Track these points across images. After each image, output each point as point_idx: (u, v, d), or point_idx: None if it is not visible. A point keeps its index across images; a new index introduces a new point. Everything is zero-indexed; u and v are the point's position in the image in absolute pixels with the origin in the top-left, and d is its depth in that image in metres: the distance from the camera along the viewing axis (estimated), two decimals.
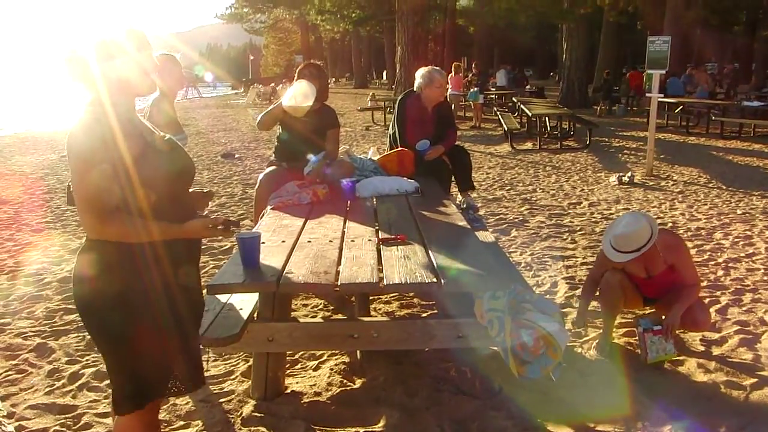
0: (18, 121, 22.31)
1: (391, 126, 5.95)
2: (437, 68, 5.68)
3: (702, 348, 3.91)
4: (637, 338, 3.79)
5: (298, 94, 4.72)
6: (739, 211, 7.55)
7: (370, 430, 3.06)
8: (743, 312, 4.47)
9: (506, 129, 14.59)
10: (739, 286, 4.96)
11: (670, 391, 3.39)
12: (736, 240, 6.30)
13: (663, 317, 3.81)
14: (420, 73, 5.65)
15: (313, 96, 4.74)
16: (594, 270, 4.13)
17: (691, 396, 3.35)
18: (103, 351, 2.23)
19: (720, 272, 5.31)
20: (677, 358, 3.73)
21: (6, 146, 15.53)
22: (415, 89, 5.68)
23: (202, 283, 2.52)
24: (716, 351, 3.87)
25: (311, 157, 4.93)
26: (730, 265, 5.51)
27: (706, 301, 4.62)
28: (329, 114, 5.17)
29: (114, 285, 2.10)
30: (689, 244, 6.04)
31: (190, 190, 2.43)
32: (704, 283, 5.01)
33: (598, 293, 4.03)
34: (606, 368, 3.68)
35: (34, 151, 14.44)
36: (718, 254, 5.82)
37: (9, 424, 3.16)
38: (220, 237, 2.17)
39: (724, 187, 9.10)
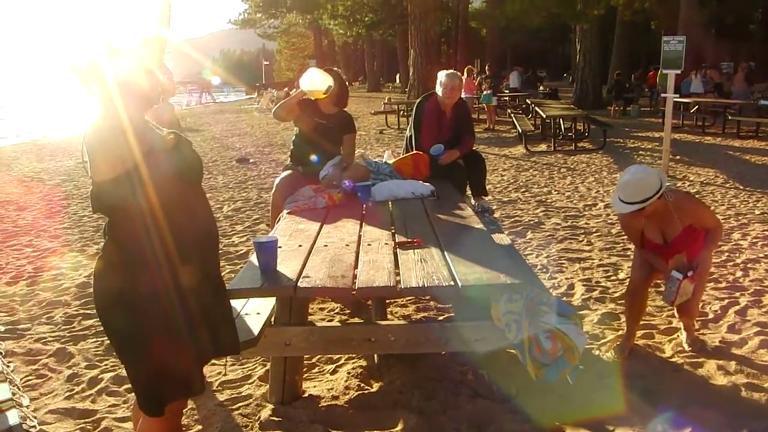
0: (35, 128, 22.52)
1: (408, 129, 5.96)
2: (450, 71, 5.68)
3: (722, 350, 3.87)
4: (664, 293, 3.65)
5: (315, 76, 4.73)
6: (757, 212, 7.48)
7: None
8: (763, 313, 4.42)
9: (520, 131, 14.56)
10: (758, 287, 4.91)
11: (690, 393, 3.36)
12: (754, 240, 6.24)
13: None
14: (438, 77, 5.68)
15: (330, 80, 4.75)
16: (628, 236, 4.07)
17: (711, 398, 3.32)
18: (115, 350, 2.27)
19: (739, 273, 5.26)
20: (697, 359, 3.72)
21: (23, 153, 15.69)
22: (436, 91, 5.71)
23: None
24: (736, 352, 3.83)
25: (313, 158, 4.95)
26: (749, 266, 5.45)
27: (725, 302, 4.59)
28: (346, 119, 5.18)
29: (116, 283, 2.14)
30: None
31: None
32: (722, 284, 4.98)
33: (625, 296, 4.03)
34: (624, 370, 3.66)
35: (51, 157, 14.57)
36: (737, 255, 5.76)
37: (35, 418, 3.19)
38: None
39: (742, 188, 9.02)
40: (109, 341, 2.27)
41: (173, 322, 2.17)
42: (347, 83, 5.72)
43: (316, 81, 4.74)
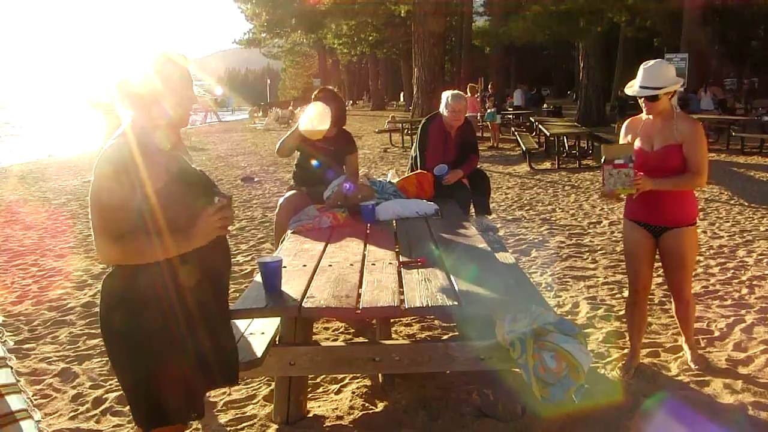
0: (41, 148, 22.65)
1: (413, 149, 5.96)
2: (456, 92, 5.66)
3: (728, 368, 3.86)
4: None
5: (314, 117, 4.75)
6: (762, 228, 7.46)
7: None
8: None
9: (524, 149, 14.59)
10: (764, 305, 4.89)
11: (697, 412, 3.34)
12: (759, 257, 6.22)
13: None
14: (442, 97, 5.68)
15: (329, 118, 4.77)
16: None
17: (718, 417, 3.30)
18: (114, 362, 2.26)
19: (744, 290, 5.25)
20: (703, 378, 3.70)
21: (29, 172, 15.77)
22: (440, 111, 5.71)
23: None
24: (743, 371, 3.81)
25: (314, 162, 4.96)
26: (754, 283, 5.43)
27: (731, 320, 4.57)
28: (347, 139, 5.19)
29: (116, 284, 2.16)
30: (711, 263, 5.99)
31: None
32: (728, 302, 4.96)
33: (625, 309, 4.01)
34: (630, 389, 3.64)
35: (57, 177, 14.64)
36: (742, 272, 5.75)
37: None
38: (227, 228, 2.10)
39: (746, 204, 9.01)
40: (108, 357, 2.27)
41: (173, 321, 2.17)
42: (350, 101, 5.74)
43: (314, 124, 4.75)
